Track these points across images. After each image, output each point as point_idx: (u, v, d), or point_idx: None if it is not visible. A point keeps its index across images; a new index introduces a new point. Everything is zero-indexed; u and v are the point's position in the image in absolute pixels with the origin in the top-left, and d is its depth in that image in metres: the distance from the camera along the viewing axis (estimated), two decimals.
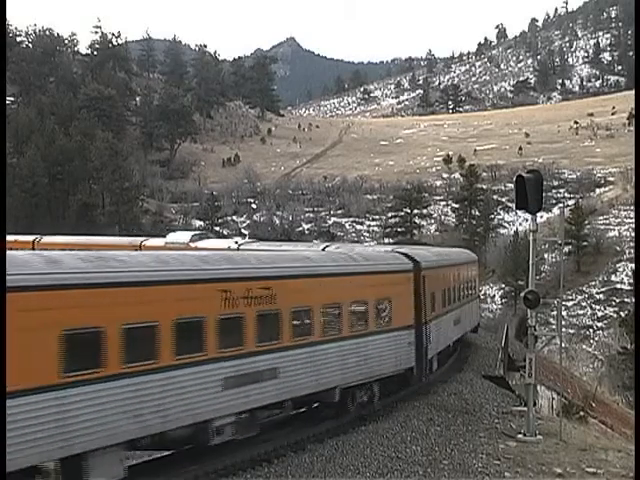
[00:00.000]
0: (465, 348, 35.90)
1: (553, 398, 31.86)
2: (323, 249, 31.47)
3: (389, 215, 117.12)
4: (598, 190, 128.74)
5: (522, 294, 22.96)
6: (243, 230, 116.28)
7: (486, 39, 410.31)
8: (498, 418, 23.86)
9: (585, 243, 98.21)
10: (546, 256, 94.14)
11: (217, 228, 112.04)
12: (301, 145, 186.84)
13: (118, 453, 14.41)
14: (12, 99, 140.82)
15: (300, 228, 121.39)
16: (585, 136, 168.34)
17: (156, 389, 14.94)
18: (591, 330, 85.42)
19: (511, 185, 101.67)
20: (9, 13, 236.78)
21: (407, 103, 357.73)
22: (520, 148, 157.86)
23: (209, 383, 16.26)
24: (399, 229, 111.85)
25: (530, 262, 23.39)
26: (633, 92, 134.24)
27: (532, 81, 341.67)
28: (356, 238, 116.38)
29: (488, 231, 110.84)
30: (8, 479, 11.96)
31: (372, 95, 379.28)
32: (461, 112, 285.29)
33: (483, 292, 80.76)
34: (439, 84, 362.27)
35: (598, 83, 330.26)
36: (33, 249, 35.41)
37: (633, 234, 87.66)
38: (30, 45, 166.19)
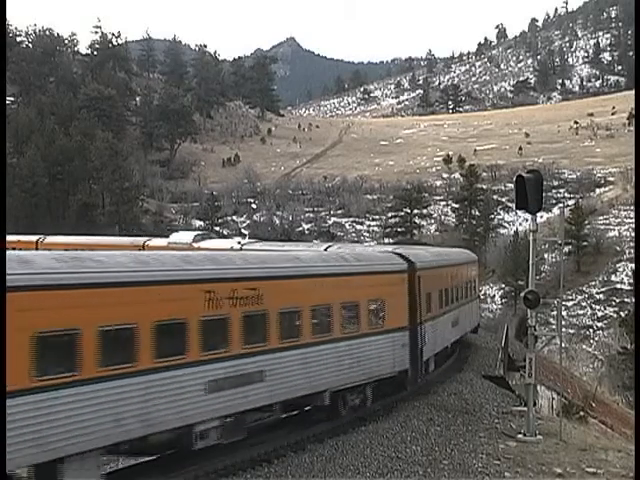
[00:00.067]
0: (465, 348, 35.88)
1: (553, 398, 31.86)
2: (325, 249, 31.36)
3: (389, 215, 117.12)
4: (598, 190, 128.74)
5: (522, 294, 22.97)
6: (243, 230, 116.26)
7: (486, 39, 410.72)
8: (498, 418, 23.87)
9: (585, 243, 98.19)
10: (546, 256, 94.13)
11: (217, 228, 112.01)
12: (301, 145, 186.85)
13: (95, 459, 14.13)
14: (12, 99, 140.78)
15: (300, 228, 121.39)
16: (585, 136, 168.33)
17: (135, 393, 14.60)
18: (591, 330, 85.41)
19: (511, 185, 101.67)
20: (9, 13, 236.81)
21: (407, 103, 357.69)
22: (520, 148, 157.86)
23: (191, 386, 15.91)
24: (399, 229, 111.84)
25: (530, 262, 23.40)
26: (633, 92, 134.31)
27: (532, 81, 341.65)
28: (356, 238, 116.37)
29: (488, 231, 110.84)
30: None
31: (372, 95, 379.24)
32: (461, 112, 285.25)
33: (483, 292, 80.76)
34: (439, 84, 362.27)
35: (598, 83, 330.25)
36: (37, 249, 35.41)
37: (633, 234, 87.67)
38: (30, 45, 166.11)
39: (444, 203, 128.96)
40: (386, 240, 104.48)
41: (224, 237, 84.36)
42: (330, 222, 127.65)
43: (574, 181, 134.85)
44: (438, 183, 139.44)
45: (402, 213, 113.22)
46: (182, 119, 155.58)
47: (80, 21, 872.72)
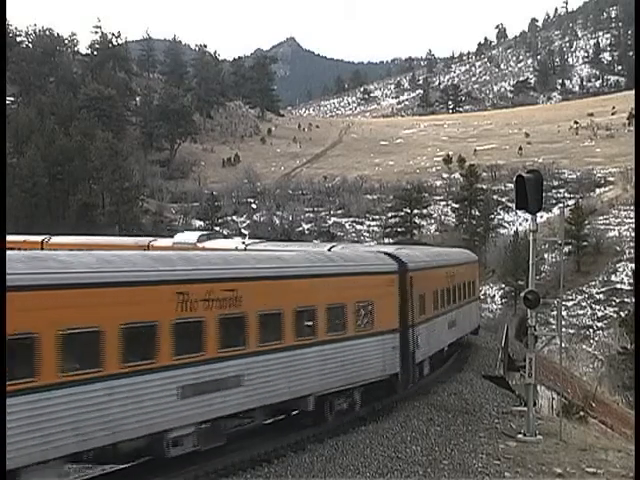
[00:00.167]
0: (465, 348, 35.85)
1: (553, 398, 31.87)
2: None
3: (389, 215, 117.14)
4: (598, 190, 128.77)
5: (522, 294, 22.98)
6: (243, 230, 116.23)
7: (486, 39, 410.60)
8: (498, 418, 23.88)
9: (585, 243, 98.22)
10: (546, 256, 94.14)
11: (217, 228, 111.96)
12: (301, 145, 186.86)
13: (56, 469, 13.54)
14: (12, 99, 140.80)
15: (300, 228, 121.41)
16: (585, 136, 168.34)
17: (100, 399, 13.98)
18: (591, 330, 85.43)
19: (511, 185, 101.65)
20: (9, 13, 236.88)
21: (407, 103, 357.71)
22: (520, 148, 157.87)
23: (163, 392, 15.29)
24: (399, 229, 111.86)
25: (530, 262, 23.41)
26: (633, 92, 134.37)
27: (532, 81, 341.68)
28: (356, 238, 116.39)
29: (488, 231, 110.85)
30: None
31: (372, 95, 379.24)
32: (461, 112, 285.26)
33: (483, 292, 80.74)
34: (439, 84, 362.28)
35: (598, 83, 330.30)
36: (42, 249, 35.41)
37: (633, 234, 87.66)
38: (30, 45, 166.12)
39: (444, 203, 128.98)
40: (386, 240, 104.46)
41: (224, 237, 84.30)
42: (330, 222, 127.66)
43: (574, 181, 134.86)
44: (438, 183, 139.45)
45: (402, 213, 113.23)
46: (182, 119, 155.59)
47: (80, 21, 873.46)
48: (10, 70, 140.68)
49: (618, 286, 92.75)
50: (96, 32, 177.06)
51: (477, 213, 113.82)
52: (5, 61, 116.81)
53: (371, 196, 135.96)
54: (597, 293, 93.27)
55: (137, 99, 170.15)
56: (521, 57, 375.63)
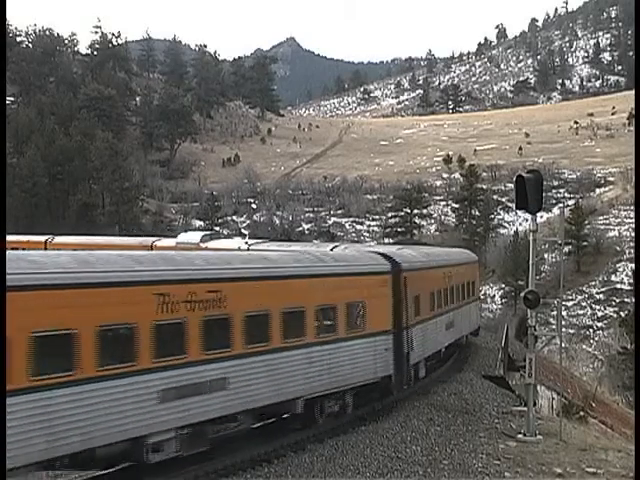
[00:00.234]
0: (465, 349, 35.83)
1: (553, 398, 31.87)
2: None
3: (389, 215, 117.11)
4: (598, 190, 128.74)
5: (522, 294, 22.97)
6: (243, 230, 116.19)
7: (486, 39, 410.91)
8: (498, 418, 23.88)
9: (585, 243, 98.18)
10: (546, 256, 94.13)
11: (217, 228, 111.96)
12: (301, 145, 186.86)
13: (27, 475, 13.13)
14: (12, 99, 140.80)
15: (300, 228, 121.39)
16: (585, 136, 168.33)
17: (75, 403, 13.59)
18: (591, 330, 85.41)
19: (511, 185, 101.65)
20: (9, 13, 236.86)
21: (407, 103, 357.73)
22: (520, 148, 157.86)
23: (141, 396, 14.87)
24: (399, 229, 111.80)
25: (530, 262, 23.39)
26: (633, 92, 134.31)
27: (532, 81, 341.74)
28: (356, 238, 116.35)
29: (488, 231, 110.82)
30: None
31: (372, 95, 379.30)
32: (461, 112, 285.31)
33: (483, 292, 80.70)
34: (439, 84, 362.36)
35: (598, 83, 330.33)
36: (45, 249, 35.40)
37: (633, 234, 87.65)
38: (30, 45, 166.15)
39: (444, 203, 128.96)
40: (386, 240, 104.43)
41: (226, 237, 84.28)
42: (330, 222, 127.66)
43: (574, 181, 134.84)
44: (438, 183, 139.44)
45: (402, 213, 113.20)
46: (182, 119, 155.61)
47: (80, 21, 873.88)
48: (10, 70, 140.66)
49: (618, 286, 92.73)
50: (96, 32, 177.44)
51: (477, 213, 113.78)
52: (5, 61, 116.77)
53: (371, 196, 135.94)
54: (597, 293, 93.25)
55: (137, 99, 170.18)
56: (521, 57, 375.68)
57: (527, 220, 63.94)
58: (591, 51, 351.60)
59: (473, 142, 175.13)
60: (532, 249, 23.59)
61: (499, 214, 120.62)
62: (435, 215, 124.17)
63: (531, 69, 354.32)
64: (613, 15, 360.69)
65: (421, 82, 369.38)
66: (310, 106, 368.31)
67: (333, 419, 20.75)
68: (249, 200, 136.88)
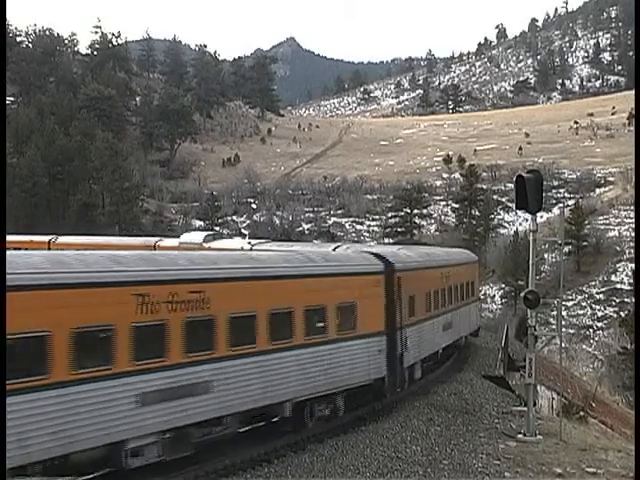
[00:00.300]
0: (464, 349, 35.80)
1: (553, 398, 31.88)
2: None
3: (389, 215, 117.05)
4: (598, 190, 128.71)
5: (522, 294, 22.97)
6: (243, 230, 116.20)
7: (486, 39, 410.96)
8: (498, 418, 23.89)
9: (585, 243, 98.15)
10: (546, 256, 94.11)
11: (217, 228, 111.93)
12: (301, 145, 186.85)
13: None
14: (12, 99, 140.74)
15: (300, 228, 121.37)
16: (585, 136, 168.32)
17: (48, 408, 13.19)
18: (591, 330, 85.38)
19: (511, 185, 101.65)
20: (9, 13, 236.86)
21: (407, 103, 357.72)
22: (520, 148, 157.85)
23: (120, 400, 14.47)
24: (399, 229, 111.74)
25: (530, 262, 23.40)
26: (633, 92, 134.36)
27: (532, 81, 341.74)
28: (356, 238, 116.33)
29: (488, 231, 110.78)
30: None
31: (372, 95, 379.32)
32: (461, 112, 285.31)
33: (483, 292, 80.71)
34: (439, 84, 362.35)
35: (598, 83, 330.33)
36: (49, 249, 35.40)
37: (633, 234, 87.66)
38: (30, 45, 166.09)
39: (444, 203, 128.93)
40: (386, 240, 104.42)
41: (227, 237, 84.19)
42: (330, 222, 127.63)
43: (574, 181, 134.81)
44: (438, 183, 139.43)
45: (402, 213, 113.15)
46: (182, 119, 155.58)
47: (80, 21, 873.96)
48: (10, 70, 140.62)
49: (618, 286, 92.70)
50: (96, 32, 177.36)
51: (477, 213, 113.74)
52: (5, 61, 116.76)
53: (371, 196, 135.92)
54: (597, 293, 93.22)
55: (137, 99, 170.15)
56: (521, 57, 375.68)
57: (527, 220, 63.98)
58: (591, 51, 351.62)
59: (473, 142, 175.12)
60: (532, 249, 23.59)
61: (499, 214, 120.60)
62: (435, 215, 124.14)
63: (531, 69, 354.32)
64: (613, 15, 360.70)
65: (421, 82, 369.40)
66: (310, 106, 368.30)
67: (324, 422, 20.34)
68: (249, 200, 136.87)
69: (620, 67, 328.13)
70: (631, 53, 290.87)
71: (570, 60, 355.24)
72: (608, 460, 20.23)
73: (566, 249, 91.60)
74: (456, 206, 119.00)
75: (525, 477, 18.23)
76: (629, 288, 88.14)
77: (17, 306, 12.93)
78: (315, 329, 19.60)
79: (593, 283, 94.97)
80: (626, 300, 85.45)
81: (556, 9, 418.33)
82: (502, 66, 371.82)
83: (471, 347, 36.98)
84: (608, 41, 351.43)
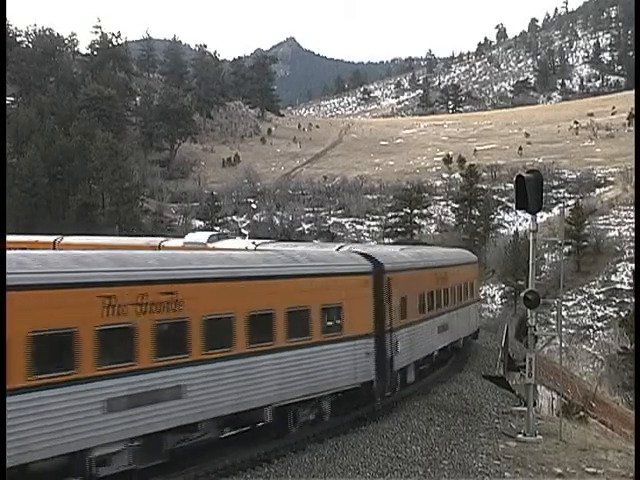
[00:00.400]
0: (464, 350, 35.77)
1: (553, 398, 31.88)
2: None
3: (389, 215, 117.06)
4: (598, 190, 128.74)
5: (522, 294, 22.96)
6: (243, 230, 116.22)
7: (486, 39, 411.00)
8: (498, 418, 23.89)
9: (585, 243, 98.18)
10: (546, 256, 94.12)
11: (217, 228, 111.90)
12: (301, 145, 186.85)
13: None
14: (12, 99, 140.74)
15: (300, 228, 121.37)
16: (585, 136, 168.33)
17: (7, 415, 12.60)
18: (591, 330, 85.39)
19: (511, 185, 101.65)
20: (9, 13, 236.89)
21: (407, 103, 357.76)
22: (520, 148, 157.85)
23: (83, 406, 13.80)
24: (399, 229, 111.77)
25: (530, 262, 23.39)
26: (633, 92, 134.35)
27: (532, 81, 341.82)
28: (356, 238, 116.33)
29: (488, 231, 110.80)
30: None
31: (372, 95, 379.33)
32: (461, 112, 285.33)
33: (483, 292, 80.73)
34: (439, 84, 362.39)
35: (598, 83, 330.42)
36: (54, 249, 35.38)
37: (633, 234, 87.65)
38: (30, 45, 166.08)
39: (444, 203, 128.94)
40: (386, 240, 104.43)
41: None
42: (330, 222, 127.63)
43: (574, 181, 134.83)
44: (438, 183, 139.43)
45: (402, 213, 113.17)
46: (182, 119, 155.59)
47: (80, 21, 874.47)
48: (10, 70, 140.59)
49: (618, 286, 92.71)
50: (96, 32, 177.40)
51: (477, 213, 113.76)
52: (5, 61, 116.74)
53: (371, 196, 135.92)
54: (597, 293, 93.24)
55: (137, 99, 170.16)
56: (521, 57, 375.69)
57: (527, 220, 63.96)
58: (591, 51, 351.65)
59: (473, 142, 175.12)
60: (532, 249, 23.59)
61: (499, 214, 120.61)
62: (435, 215, 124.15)
63: (531, 69, 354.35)
64: (613, 15, 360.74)
65: (421, 82, 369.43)
66: (310, 106, 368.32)
67: (309, 427, 19.77)
68: (249, 200, 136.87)
69: (620, 67, 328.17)
70: (631, 53, 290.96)
71: (570, 60, 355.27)
72: (608, 460, 20.23)
73: (566, 249, 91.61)
74: (456, 206, 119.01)
75: (525, 477, 18.23)
76: (629, 288, 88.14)
77: None
78: (298, 331, 18.91)
79: (593, 283, 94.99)
80: (626, 300, 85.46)
81: (556, 9, 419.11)
82: (502, 66, 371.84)
83: (471, 347, 36.95)
84: (608, 41, 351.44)
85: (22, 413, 12.86)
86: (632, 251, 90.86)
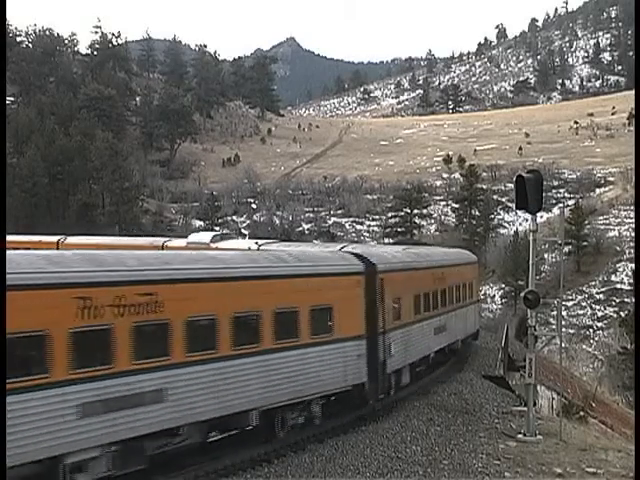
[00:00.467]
0: (465, 348, 35.75)
1: (553, 398, 31.88)
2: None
3: (389, 215, 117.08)
4: (598, 190, 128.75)
5: (522, 294, 22.96)
6: (243, 230, 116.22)
7: (486, 39, 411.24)
8: (498, 418, 23.90)
9: (585, 243, 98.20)
10: (546, 256, 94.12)
11: (217, 228, 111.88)
12: (301, 145, 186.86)
13: None
14: (12, 99, 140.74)
15: (300, 228, 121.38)
16: (585, 136, 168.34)
17: None
18: (591, 330, 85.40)
19: (511, 185, 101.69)
20: (9, 13, 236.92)
21: (407, 103, 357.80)
22: (520, 148, 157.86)
23: (57, 411, 13.33)
24: (399, 229, 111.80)
25: (530, 262, 23.39)
26: (633, 92, 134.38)
27: (532, 81, 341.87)
28: (356, 238, 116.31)
29: (488, 231, 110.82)
30: None
31: (372, 95, 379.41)
32: (461, 112, 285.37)
33: (483, 292, 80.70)
34: (439, 84, 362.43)
35: (598, 83, 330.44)
36: (58, 249, 35.38)
37: (633, 234, 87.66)
38: (30, 45, 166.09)
39: (444, 203, 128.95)
40: (386, 240, 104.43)
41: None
42: (330, 222, 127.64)
43: (574, 181, 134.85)
44: (438, 183, 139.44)
45: (402, 213, 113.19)
46: (182, 119, 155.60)
47: (80, 21, 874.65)
48: (10, 70, 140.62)
49: (618, 286, 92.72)
50: (96, 32, 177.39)
51: (477, 213, 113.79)
52: (5, 61, 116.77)
53: (371, 196, 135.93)
54: (597, 293, 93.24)
55: (137, 99, 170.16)
56: (521, 57, 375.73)
57: (527, 220, 63.97)
58: (591, 51, 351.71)
59: (473, 142, 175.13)
60: (532, 249, 23.59)
61: (499, 214, 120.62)
62: (435, 215, 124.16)
63: (531, 69, 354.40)
64: (613, 15, 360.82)
65: (421, 82, 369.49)
66: (310, 106, 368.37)
67: (298, 431, 19.36)
68: (249, 200, 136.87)
69: (620, 67, 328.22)
70: (631, 53, 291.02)
71: (570, 60, 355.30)
72: (608, 460, 20.23)
73: (566, 249, 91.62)
74: (456, 206, 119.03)
75: (525, 477, 18.23)
76: (629, 288, 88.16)
77: None
78: (285, 333, 18.48)
79: (593, 283, 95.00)
80: (626, 300, 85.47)
81: (556, 9, 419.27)
82: (502, 66, 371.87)
83: (471, 347, 36.93)
84: (608, 41, 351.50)
85: None
86: (632, 251, 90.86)
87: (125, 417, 14.52)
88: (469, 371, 31.39)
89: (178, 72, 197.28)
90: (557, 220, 71.55)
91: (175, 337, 15.54)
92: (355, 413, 21.64)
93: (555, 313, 23.95)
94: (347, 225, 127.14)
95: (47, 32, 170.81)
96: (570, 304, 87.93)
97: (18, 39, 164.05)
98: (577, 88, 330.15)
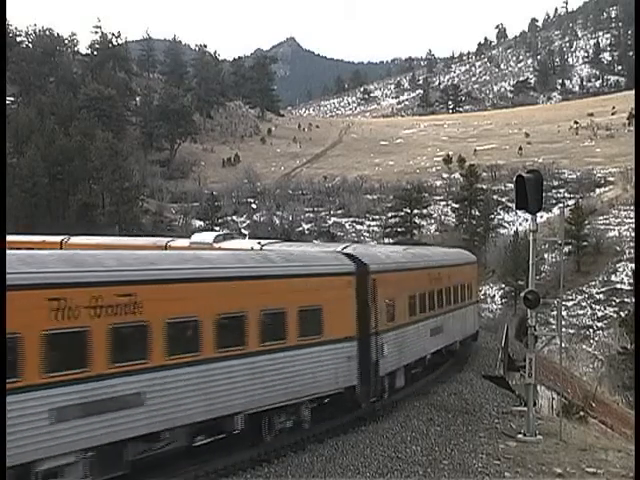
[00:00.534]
0: (465, 348, 35.75)
1: (553, 398, 31.88)
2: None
3: (389, 215, 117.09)
4: (598, 190, 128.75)
5: (522, 294, 22.96)
6: (243, 230, 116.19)
7: (486, 39, 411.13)
8: (498, 418, 23.90)
9: (585, 243, 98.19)
10: (546, 256, 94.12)
11: (217, 228, 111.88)
12: (301, 145, 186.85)
13: None
14: (12, 99, 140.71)
15: (300, 228, 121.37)
16: (585, 136, 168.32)
17: None
18: (591, 330, 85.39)
19: (511, 185, 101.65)
20: (9, 13, 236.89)
21: (407, 103, 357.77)
22: (520, 148, 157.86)
23: (28, 416, 12.89)
24: (399, 229, 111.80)
25: (530, 262, 23.40)
26: (633, 92, 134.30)
27: (532, 81, 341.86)
28: (356, 238, 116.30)
29: (488, 231, 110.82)
30: None
31: (372, 95, 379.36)
32: (461, 112, 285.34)
33: (483, 292, 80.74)
34: (439, 84, 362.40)
35: (598, 83, 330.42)
36: (61, 249, 35.37)
37: (633, 234, 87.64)
38: (30, 45, 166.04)
39: (444, 203, 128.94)
40: (386, 240, 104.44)
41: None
42: (330, 222, 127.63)
43: (574, 181, 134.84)
44: (438, 183, 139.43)
45: (402, 213, 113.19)
46: (182, 119, 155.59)
47: (80, 21, 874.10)
48: (10, 70, 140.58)
49: (618, 286, 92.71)
50: (96, 32, 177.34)
51: (477, 213, 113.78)
52: (5, 61, 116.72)
53: (371, 196, 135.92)
54: (597, 293, 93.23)
55: (137, 99, 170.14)
56: (521, 57, 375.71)
57: (527, 220, 63.97)
58: (591, 51, 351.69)
59: (473, 142, 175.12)
60: (532, 249, 23.60)
61: (499, 214, 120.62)
62: (435, 215, 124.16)
63: (531, 69, 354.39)
64: (613, 15, 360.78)
65: (421, 82, 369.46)
66: (310, 106, 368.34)
67: (287, 435, 19.02)
68: (249, 200, 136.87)
69: (620, 67, 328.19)
70: (631, 53, 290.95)
71: (570, 60, 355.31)
72: (608, 460, 20.24)
73: (566, 249, 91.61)
74: (456, 206, 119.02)
75: (525, 477, 18.23)
76: (629, 288, 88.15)
77: None
78: (272, 334, 18.14)
79: (593, 283, 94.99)
80: (626, 300, 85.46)
81: (556, 9, 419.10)
82: (502, 66, 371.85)
83: (471, 347, 36.93)
84: (608, 41, 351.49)
85: None
86: (632, 251, 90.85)
87: (102, 422, 14.13)
88: (469, 371, 31.40)
89: (178, 72, 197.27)
90: (557, 220, 71.54)
91: (154, 339, 15.12)
92: (349, 415, 21.41)
93: (555, 313, 23.96)
94: (347, 225, 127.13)
95: (47, 32, 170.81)
96: (570, 304, 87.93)
97: (18, 39, 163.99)
98: (577, 88, 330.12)
